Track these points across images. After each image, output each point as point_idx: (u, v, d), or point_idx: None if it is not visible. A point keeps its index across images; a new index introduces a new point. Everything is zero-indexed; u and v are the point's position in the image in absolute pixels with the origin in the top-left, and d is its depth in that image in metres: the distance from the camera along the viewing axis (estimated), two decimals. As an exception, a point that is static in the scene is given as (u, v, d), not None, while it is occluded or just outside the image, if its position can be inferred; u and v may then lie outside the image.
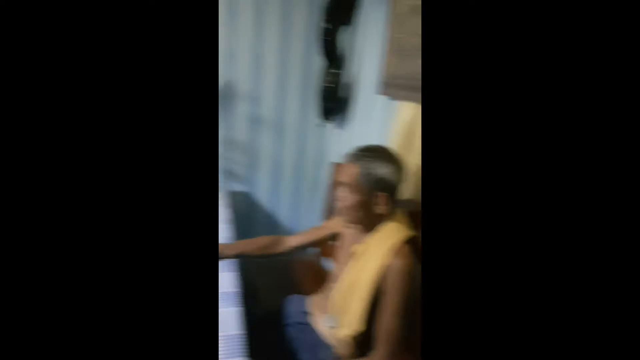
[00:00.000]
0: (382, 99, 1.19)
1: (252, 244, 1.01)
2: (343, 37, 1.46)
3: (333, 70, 1.49)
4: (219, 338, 0.70)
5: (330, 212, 1.52)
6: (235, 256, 0.98)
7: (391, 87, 1.10)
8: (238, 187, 1.80)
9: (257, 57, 1.64)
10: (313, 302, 0.94)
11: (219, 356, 0.66)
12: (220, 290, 0.84)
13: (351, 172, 0.74)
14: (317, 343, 0.86)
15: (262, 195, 1.85)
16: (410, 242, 0.74)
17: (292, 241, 1.03)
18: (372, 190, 0.73)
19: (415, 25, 0.97)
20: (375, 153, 0.75)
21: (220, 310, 0.78)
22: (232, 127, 1.70)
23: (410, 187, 0.91)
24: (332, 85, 1.50)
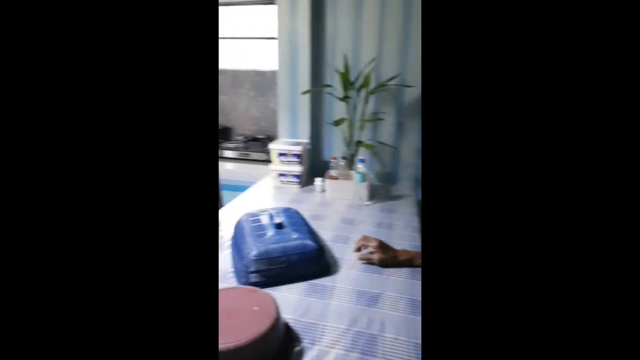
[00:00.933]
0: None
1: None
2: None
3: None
4: (405, 343, 0.72)
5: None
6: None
7: None
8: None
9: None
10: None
11: (409, 361, 0.68)
12: (414, 298, 0.86)
13: None
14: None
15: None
16: None
17: None
18: None
19: None
20: None
21: (413, 317, 0.80)
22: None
23: None
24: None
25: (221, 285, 0.89)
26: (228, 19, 2.68)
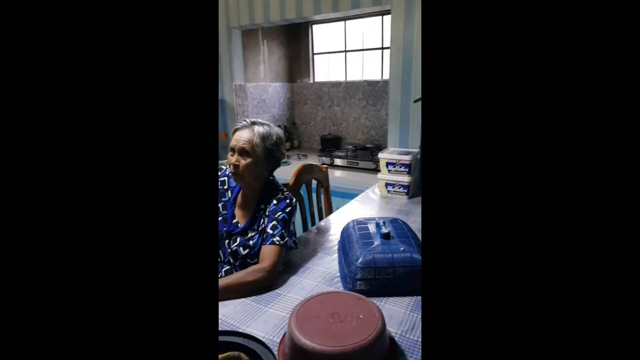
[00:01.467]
0: None
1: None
2: None
3: None
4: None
5: None
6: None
7: None
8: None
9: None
10: None
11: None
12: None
13: None
14: None
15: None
16: None
17: None
18: None
19: None
20: None
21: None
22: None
23: None
24: None
25: (329, 288, 0.92)
26: (340, 33, 2.80)
